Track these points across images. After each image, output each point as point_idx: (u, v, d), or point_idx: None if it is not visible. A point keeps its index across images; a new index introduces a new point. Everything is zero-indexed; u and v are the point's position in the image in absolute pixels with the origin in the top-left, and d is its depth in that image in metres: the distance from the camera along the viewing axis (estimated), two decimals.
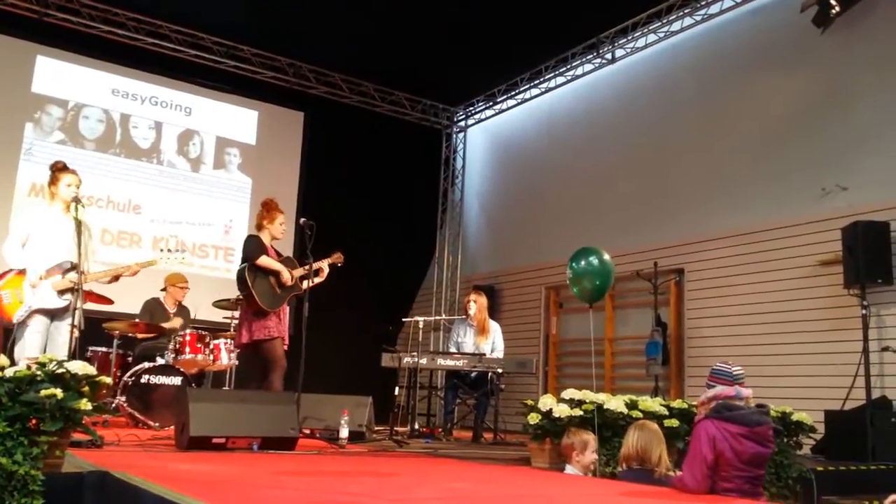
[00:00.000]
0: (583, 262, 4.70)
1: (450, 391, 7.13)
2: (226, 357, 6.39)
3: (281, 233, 5.85)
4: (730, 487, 3.30)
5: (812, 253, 7.11)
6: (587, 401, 4.56)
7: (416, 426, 6.76)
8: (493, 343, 7.27)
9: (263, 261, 5.61)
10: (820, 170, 7.20)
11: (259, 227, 5.82)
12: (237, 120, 10.54)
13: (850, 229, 6.49)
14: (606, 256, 4.70)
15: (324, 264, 5.80)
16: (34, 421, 2.90)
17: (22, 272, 4.77)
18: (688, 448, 3.50)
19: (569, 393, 4.66)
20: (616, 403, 4.59)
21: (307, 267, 5.64)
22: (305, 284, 5.64)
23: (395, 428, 6.24)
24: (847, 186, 6.98)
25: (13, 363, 3.34)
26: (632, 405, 4.69)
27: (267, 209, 5.83)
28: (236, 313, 6.66)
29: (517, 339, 9.82)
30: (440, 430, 6.89)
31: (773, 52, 7.84)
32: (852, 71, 7.17)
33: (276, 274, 5.62)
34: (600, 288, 4.67)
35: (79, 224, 4.78)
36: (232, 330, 6.66)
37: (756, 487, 3.40)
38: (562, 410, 4.46)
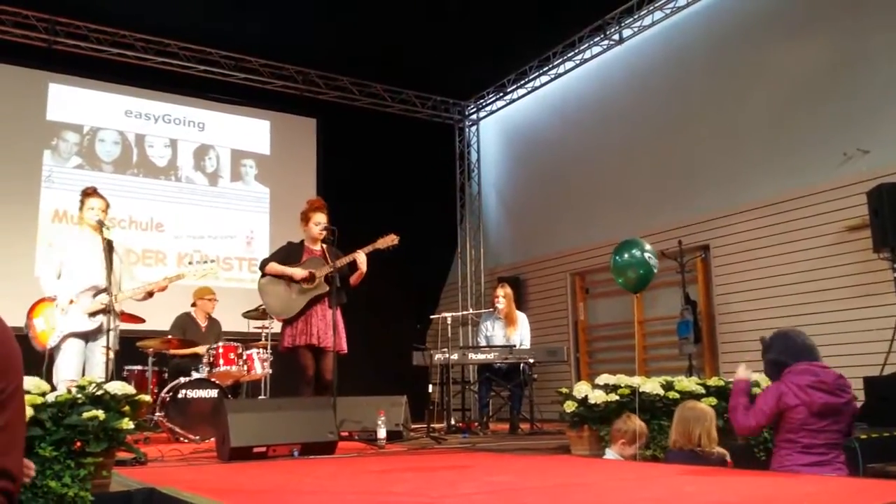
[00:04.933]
0: (626, 255, 4.89)
1: (483, 385, 7.13)
2: (259, 367, 6.44)
3: (319, 233, 5.58)
4: (792, 438, 3.46)
5: (838, 219, 7.02)
6: (622, 385, 4.54)
7: (453, 422, 6.77)
8: (521, 335, 7.27)
9: (271, 268, 5.51)
10: (840, 135, 7.10)
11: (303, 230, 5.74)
12: (250, 131, 10.59)
13: (875, 192, 6.39)
14: (648, 247, 4.88)
15: (357, 255, 5.46)
16: (79, 443, 2.95)
17: (52, 299, 4.88)
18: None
19: (603, 378, 4.64)
20: (652, 386, 4.57)
21: (343, 260, 5.45)
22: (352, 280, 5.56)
23: (432, 425, 6.26)
24: (868, 149, 6.89)
25: (53, 388, 3.39)
26: (668, 386, 4.66)
27: (302, 212, 5.68)
28: (266, 322, 6.72)
29: (546, 328, 9.80)
30: (477, 424, 6.89)
31: (783, 18, 7.74)
32: (865, 32, 7.06)
33: (289, 278, 5.46)
34: (644, 277, 4.83)
35: (109, 245, 4.85)
36: (263, 339, 6.72)
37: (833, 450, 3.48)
38: (597, 396, 4.44)
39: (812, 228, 7.22)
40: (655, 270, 4.87)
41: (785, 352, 3.64)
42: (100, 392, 3.10)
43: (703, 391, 4.74)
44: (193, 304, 7.21)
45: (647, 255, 4.79)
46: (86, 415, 2.95)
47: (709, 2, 8.55)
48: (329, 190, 10.50)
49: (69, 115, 9.43)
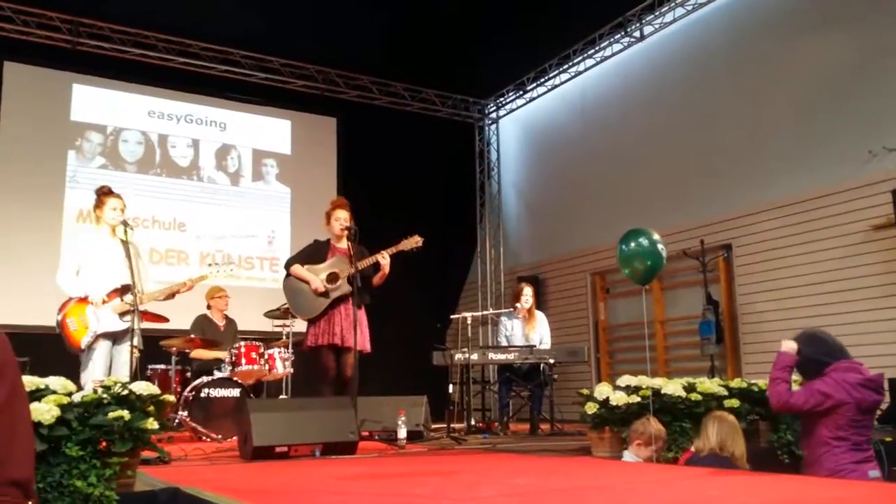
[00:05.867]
0: (633, 244, 4.66)
1: (503, 385, 7.11)
2: (281, 366, 6.47)
3: (340, 230, 5.61)
4: (843, 436, 3.55)
5: (863, 218, 6.94)
6: (644, 386, 4.50)
7: (473, 422, 6.77)
8: (541, 334, 7.24)
9: (294, 270, 5.60)
10: (864, 132, 7.01)
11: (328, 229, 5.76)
12: (271, 131, 10.66)
13: None
14: (656, 236, 4.66)
15: (379, 258, 5.45)
16: (104, 443, 2.97)
17: (83, 299, 4.90)
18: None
19: (624, 379, 4.59)
20: (674, 387, 4.51)
21: (365, 262, 5.44)
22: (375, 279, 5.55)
23: (452, 425, 6.26)
24: (894, 147, 6.80)
25: (80, 388, 3.42)
26: (690, 388, 4.61)
27: (327, 211, 5.73)
28: (288, 321, 6.75)
29: (566, 328, 9.77)
30: (497, 424, 6.88)
31: (805, 13, 7.66)
32: (890, 27, 6.96)
33: (308, 282, 5.52)
34: (652, 268, 4.63)
35: (128, 246, 4.89)
36: (284, 338, 6.75)
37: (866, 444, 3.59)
38: (619, 398, 4.41)
39: (836, 227, 7.14)
40: (664, 261, 4.71)
41: (820, 351, 3.77)
42: (125, 392, 3.13)
43: (726, 392, 4.70)
44: (208, 306, 7.25)
45: (659, 245, 4.63)
46: (111, 415, 2.98)
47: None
48: (349, 189, 10.52)
49: (93, 115, 9.53)
